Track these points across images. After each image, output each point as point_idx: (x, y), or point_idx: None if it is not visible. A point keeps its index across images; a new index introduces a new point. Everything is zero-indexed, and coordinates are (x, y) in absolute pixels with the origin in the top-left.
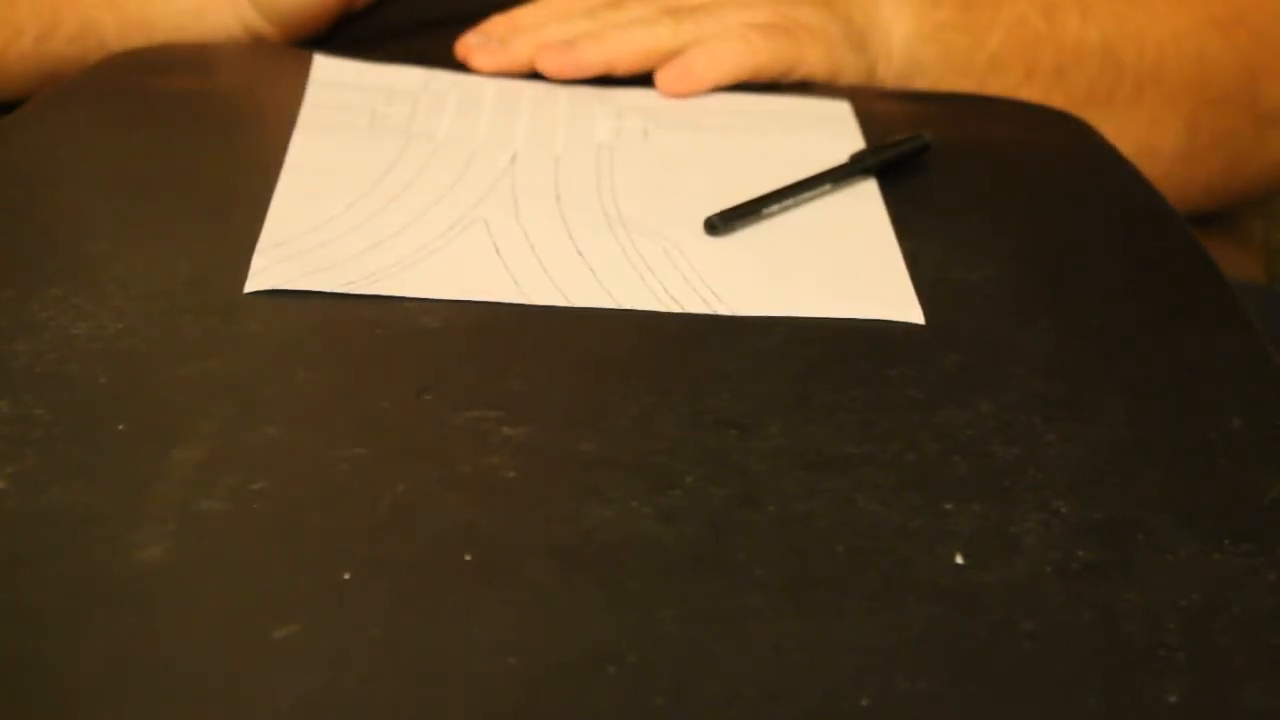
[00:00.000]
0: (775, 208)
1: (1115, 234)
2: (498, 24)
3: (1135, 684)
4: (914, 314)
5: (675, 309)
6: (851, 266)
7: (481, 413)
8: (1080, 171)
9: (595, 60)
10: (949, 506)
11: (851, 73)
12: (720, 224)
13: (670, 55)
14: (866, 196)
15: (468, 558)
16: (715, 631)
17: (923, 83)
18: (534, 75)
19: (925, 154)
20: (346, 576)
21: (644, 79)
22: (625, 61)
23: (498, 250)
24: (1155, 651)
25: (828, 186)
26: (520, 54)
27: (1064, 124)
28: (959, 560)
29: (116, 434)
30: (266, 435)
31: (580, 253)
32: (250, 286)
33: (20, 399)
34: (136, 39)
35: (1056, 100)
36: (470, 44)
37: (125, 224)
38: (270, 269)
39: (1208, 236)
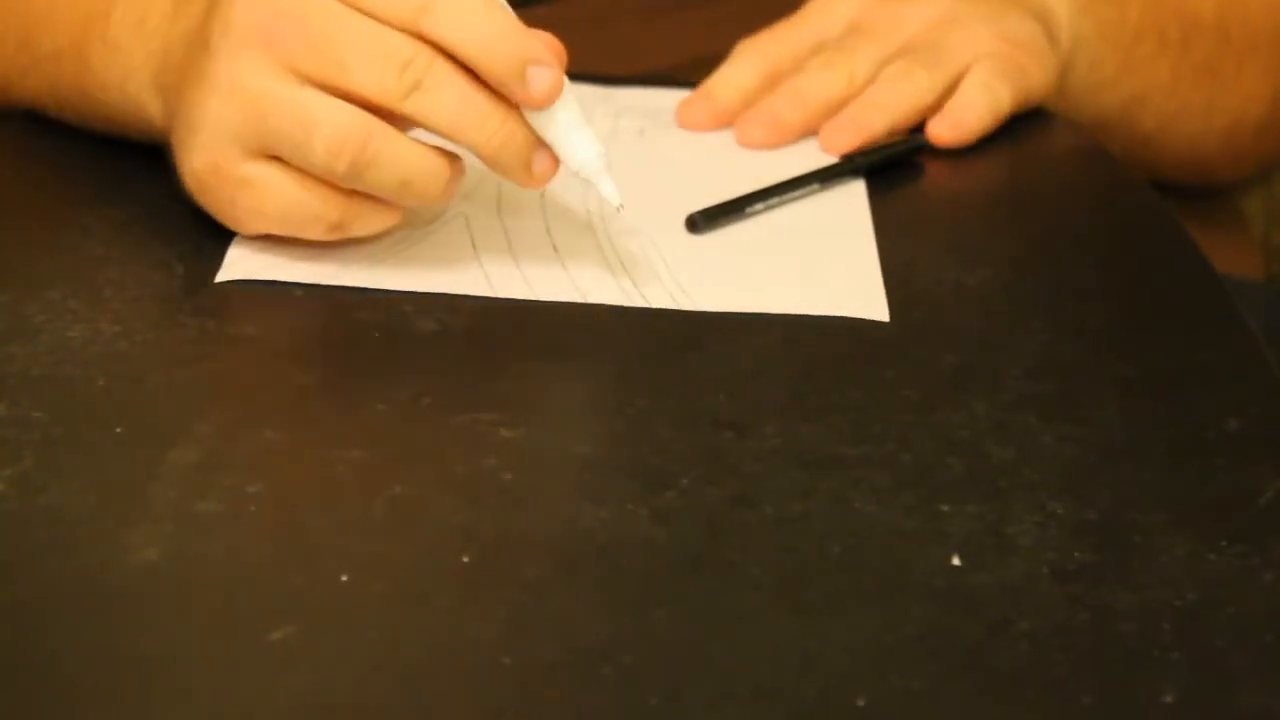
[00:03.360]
0: (759, 206)
1: (1111, 234)
2: (719, 88)
3: (1130, 684)
4: (879, 312)
5: (640, 303)
6: (824, 265)
7: (478, 415)
8: (1074, 172)
9: (881, 128)
10: (945, 507)
11: (1056, 77)
12: (702, 222)
13: (934, 106)
14: (853, 197)
15: (465, 559)
16: (710, 631)
17: (1082, 58)
18: None
19: (919, 155)
20: (344, 578)
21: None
22: (905, 123)
23: (474, 245)
24: (1150, 652)
25: (815, 186)
26: (795, 125)
27: (1058, 125)
28: (955, 561)
29: (114, 436)
30: (263, 437)
31: (555, 248)
32: (221, 276)
33: (17, 402)
34: (115, 130)
35: (1184, 72)
36: (700, 116)
37: (122, 227)
38: (244, 259)
39: (1206, 233)
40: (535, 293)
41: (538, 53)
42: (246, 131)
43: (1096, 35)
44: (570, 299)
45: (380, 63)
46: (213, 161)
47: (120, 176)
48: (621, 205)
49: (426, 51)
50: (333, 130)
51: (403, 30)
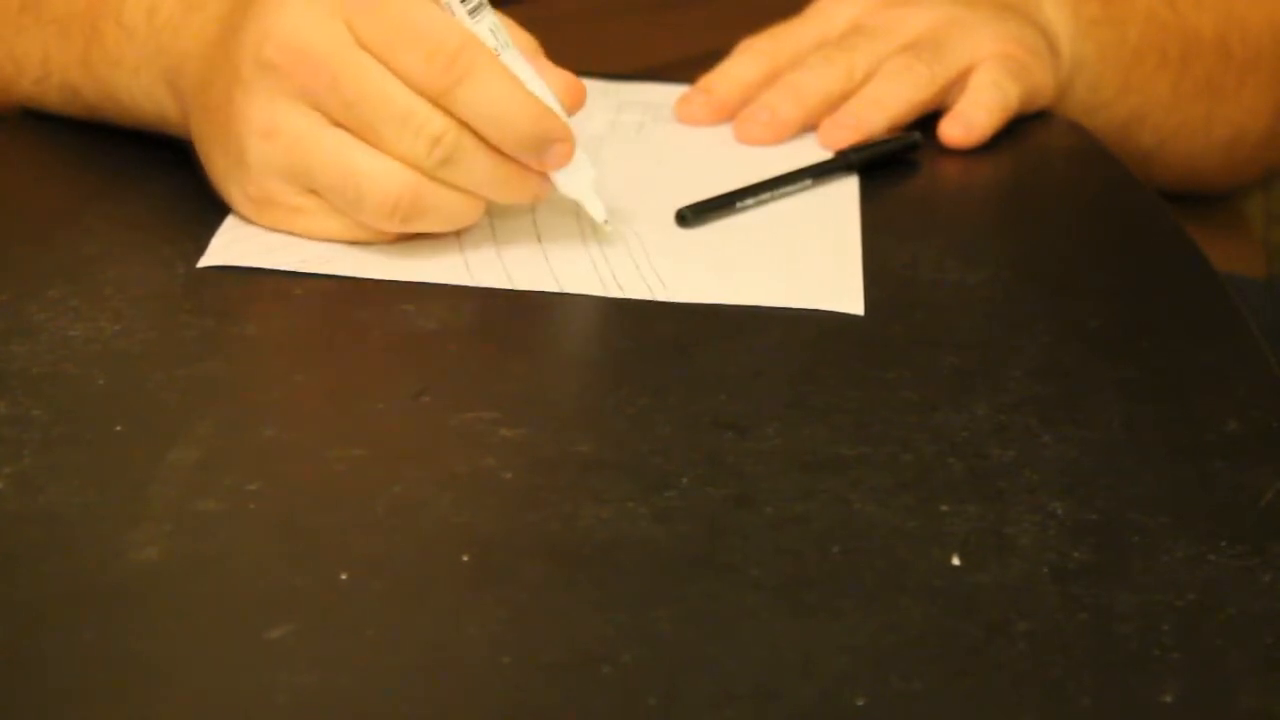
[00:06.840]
0: (750, 201)
1: (1111, 234)
2: (718, 82)
3: (1130, 685)
4: (855, 305)
5: (617, 294)
6: (805, 258)
7: (478, 414)
8: (1075, 172)
9: (879, 124)
10: (945, 508)
11: (1058, 82)
12: (691, 216)
13: (933, 101)
14: (844, 193)
15: (464, 558)
16: (710, 631)
17: (1082, 80)
18: None
19: (916, 154)
20: (344, 576)
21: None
22: (904, 119)
23: (458, 233)
24: (1150, 652)
25: (808, 182)
26: (793, 120)
27: (1058, 124)
28: (955, 561)
29: (114, 435)
30: (263, 436)
31: (539, 239)
32: (204, 262)
33: (18, 400)
34: (110, 110)
35: (1184, 89)
36: (698, 110)
37: (123, 225)
38: (227, 247)
39: (1207, 231)
40: (513, 282)
41: (556, 132)
42: (294, 173)
43: (1097, 58)
44: (548, 289)
45: (411, 136)
46: (265, 193)
47: (121, 175)
48: (607, 220)
49: (454, 127)
50: (385, 195)
51: (429, 98)
